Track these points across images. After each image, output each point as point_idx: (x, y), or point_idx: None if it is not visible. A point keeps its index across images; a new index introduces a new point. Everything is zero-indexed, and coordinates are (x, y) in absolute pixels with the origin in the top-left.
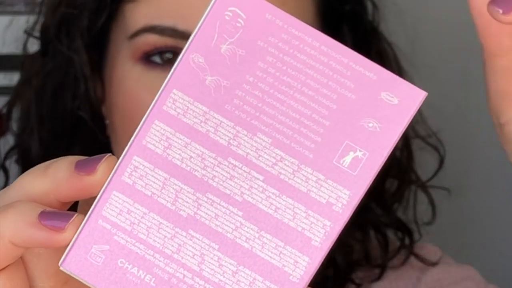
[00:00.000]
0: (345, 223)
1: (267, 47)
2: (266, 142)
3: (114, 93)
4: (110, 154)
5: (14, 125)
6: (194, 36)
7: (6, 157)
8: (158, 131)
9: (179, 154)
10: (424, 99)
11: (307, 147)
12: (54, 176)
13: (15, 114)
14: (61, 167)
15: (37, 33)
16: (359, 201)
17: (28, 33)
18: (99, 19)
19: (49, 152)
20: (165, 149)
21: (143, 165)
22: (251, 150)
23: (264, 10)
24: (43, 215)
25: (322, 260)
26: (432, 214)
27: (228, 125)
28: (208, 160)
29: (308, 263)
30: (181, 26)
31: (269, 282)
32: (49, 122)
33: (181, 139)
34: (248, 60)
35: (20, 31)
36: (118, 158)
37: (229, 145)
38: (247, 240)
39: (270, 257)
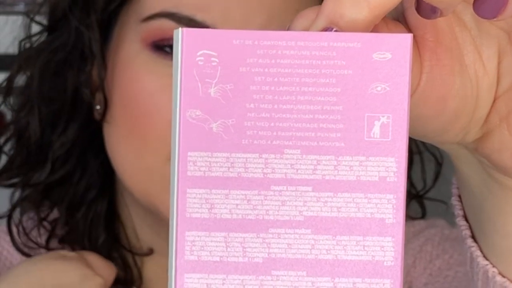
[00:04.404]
0: (405, 188)
1: (250, 69)
2: (296, 154)
3: (117, 76)
4: None
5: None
6: (180, 94)
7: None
8: (194, 198)
9: (224, 208)
10: (412, 40)
11: (335, 138)
12: None
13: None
14: None
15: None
16: (407, 161)
17: (31, 17)
18: None
19: (47, 130)
20: (210, 210)
21: (198, 236)
22: (287, 169)
23: (230, 39)
24: None
25: (404, 232)
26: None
27: (254, 157)
28: (254, 199)
29: (393, 242)
30: (199, 17)
31: (368, 279)
32: (49, 100)
33: (219, 194)
34: (240, 90)
35: (20, 31)
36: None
37: (265, 175)
38: (328, 252)
39: (357, 255)
